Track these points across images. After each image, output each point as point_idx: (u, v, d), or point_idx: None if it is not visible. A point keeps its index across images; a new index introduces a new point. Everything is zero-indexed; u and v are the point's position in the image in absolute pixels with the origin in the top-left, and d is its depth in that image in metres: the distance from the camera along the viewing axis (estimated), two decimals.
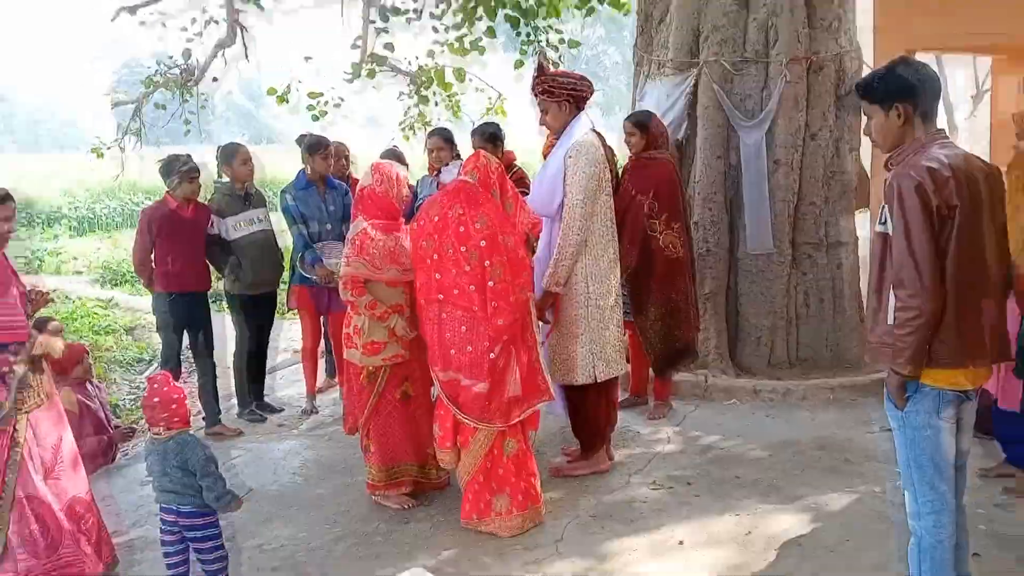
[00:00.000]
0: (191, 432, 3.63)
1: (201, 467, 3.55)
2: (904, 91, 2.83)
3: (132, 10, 9.47)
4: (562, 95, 4.65)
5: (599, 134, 4.75)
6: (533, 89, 4.75)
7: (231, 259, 5.91)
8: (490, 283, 4.07)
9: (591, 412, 4.80)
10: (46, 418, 3.76)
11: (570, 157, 4.55)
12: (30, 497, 3.64)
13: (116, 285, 13.73)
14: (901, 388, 2.81)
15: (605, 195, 4.66)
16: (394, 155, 6.49)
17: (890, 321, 2.78)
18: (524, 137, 10.86)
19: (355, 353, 4.42)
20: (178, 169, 5.71)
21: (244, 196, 5.98)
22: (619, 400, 5.96)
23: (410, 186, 6.13)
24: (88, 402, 5.27)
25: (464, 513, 4.27)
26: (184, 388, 3.80)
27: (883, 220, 2.81)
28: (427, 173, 6.34)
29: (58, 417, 3.85)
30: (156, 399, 3.57)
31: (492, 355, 4.08)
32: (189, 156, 5.89)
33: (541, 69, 4.77)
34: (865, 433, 5.32)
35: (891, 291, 2.76)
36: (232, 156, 5.98)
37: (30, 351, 3.66)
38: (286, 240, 6.34)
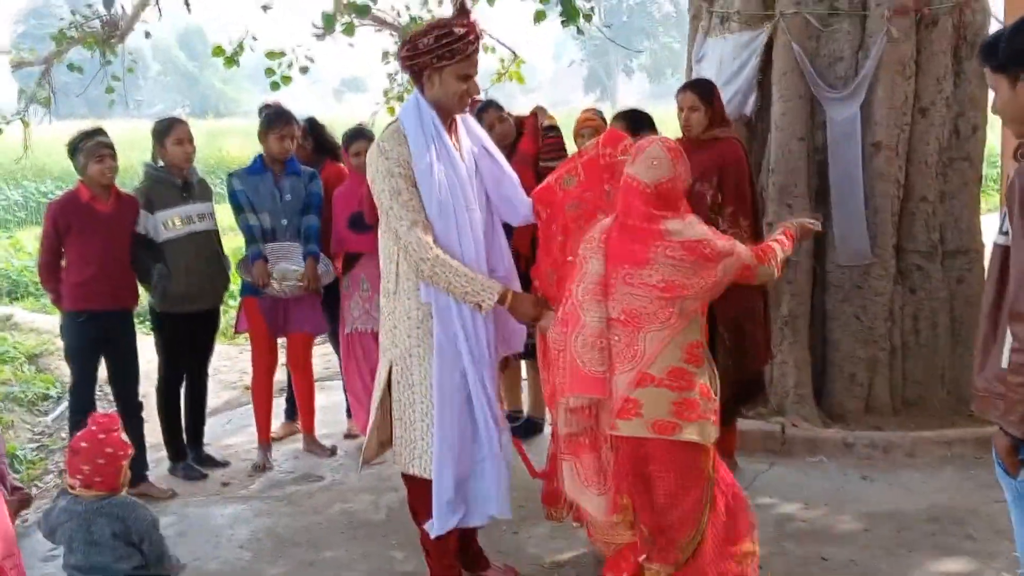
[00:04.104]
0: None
1: (149, 535, 3.63)
2: None
3: None
4: None
5: None
6: (473, 43, 4.20)
7: (158, 267, 5.89)
8: None
9: None
10: None
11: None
12: None
13: (16, 299, 13.80)
14: (1013, 451, 2.77)
15: None
16: (362, 134, 6.39)
17: (1004, 363, 2.73)
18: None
19: (709, 429, 3.78)
20: (84, 146, 5.68)
21: (183, 186, 5.99)
22: None
23: None
24: None
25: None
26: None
27: (1004, 229, 2.76)
28: None
29: None
30: (83, 443, 3.61)
31: None
32: (100, 129, 5.87)
33: (465, 9, 4.29)
34: (993, 502, 5.25)
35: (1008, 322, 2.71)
36: (165, 134, 5.99)
37: None
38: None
